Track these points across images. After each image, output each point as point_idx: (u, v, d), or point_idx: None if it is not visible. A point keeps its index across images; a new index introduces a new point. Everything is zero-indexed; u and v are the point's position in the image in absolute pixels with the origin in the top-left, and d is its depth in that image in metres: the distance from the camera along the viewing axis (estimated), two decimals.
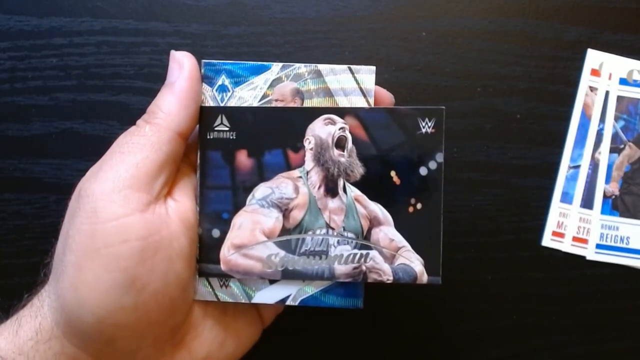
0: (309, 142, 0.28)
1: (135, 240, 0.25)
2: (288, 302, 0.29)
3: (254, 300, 0.29)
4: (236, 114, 0.29)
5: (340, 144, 0.28)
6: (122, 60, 0.37)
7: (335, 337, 0.37)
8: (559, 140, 0.38)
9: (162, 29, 0.37)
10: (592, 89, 0.38)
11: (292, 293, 0.29)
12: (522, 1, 0.38)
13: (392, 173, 0.28)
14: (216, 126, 0.29)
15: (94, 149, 0.36)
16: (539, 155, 0.38)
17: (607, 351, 0.37)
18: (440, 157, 0.28)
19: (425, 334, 0.38)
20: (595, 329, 0.37)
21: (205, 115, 0.29)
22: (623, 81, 0.38)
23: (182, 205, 0.28)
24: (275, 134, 0.28)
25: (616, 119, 0.38)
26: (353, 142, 0.28)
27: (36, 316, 0.26)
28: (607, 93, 0.38)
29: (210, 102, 0.29)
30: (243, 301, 0.29)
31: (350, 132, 0.28)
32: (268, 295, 0.29)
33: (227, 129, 0.29)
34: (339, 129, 0.28)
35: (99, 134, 0.37)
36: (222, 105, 0.29)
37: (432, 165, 0.28)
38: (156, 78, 0.37)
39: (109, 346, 0.25)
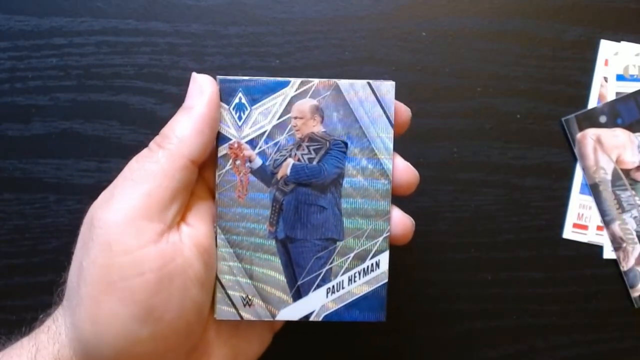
0: None
1: (150, 272, 0.25)
2: (312, 318, 0.28)
3: (278, 318, 0.28)
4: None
5: None
6: (122, 60, 0.37)
7: (333, 337, 0.37)
8: (559, 140, 0.38)
9: (162, 29, 0.37)
10: (606, 79, 0.37)
11: (315, 309, 0.28)
12: (522, 1, 0.38)
13: None
14: None
15: (94, 149, 0.37)
16: (539, 155, 0.38)
17: (607, 351, 0.37)
18: None
19: (425, 334, 0.38)
20: (595, 329, 0.37)
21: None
22: (620, 77, 0.38)
23: (195, 229, 0.27)
24: None
25: None
26: None
27: (54, 343, 0.26)
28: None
29: (227, 121, 0.28)
30: (266, 319, 0.28)
31: None
32: (291, 312, 0.28)
33: None
34: None
35: (99, 134, 0.37)
36: (239, 123, 0.28)
37: None
38: (156, 78, 0.37)
39: None
